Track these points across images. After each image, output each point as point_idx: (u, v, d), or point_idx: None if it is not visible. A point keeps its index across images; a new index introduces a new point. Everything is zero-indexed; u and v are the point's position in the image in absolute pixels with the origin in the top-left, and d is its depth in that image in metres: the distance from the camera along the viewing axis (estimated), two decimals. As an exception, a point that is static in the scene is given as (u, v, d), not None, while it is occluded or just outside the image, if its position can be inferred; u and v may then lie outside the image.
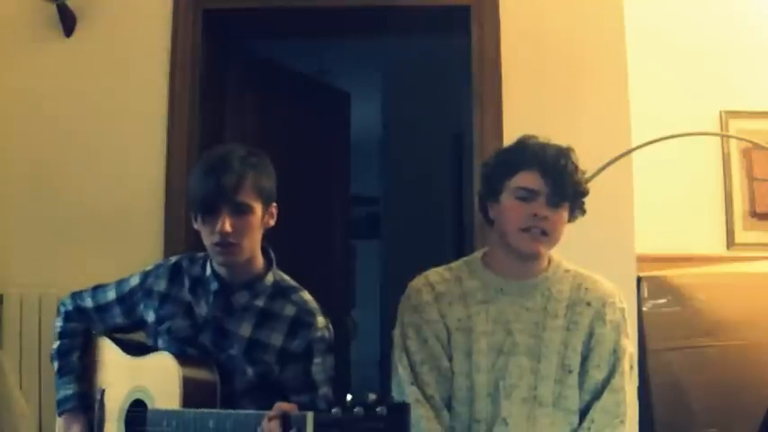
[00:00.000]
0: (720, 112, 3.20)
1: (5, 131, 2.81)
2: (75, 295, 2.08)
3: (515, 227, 1.80)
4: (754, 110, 3.19)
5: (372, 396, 1.33)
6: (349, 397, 1.37)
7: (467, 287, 1.88)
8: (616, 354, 1.83)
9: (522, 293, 1.86)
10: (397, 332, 1.88)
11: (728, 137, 3.15)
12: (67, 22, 2.80)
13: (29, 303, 2.67)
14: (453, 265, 1.96)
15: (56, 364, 2.04)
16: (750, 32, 3.22)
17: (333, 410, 1.36)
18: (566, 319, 1.83)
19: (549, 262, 1.91)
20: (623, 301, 1.90)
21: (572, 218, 1.87)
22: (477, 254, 1.96)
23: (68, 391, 1.99)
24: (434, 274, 1.93)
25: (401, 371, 1.83)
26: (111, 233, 2.74)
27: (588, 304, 1.85)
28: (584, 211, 1.89)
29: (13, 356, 2.61)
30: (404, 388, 1.81)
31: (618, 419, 1.78)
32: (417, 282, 1.92)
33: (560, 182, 1.80)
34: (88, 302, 2.05)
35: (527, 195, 1.80)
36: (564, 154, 1.84)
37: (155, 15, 2.82)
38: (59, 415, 1.99)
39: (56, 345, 2.06)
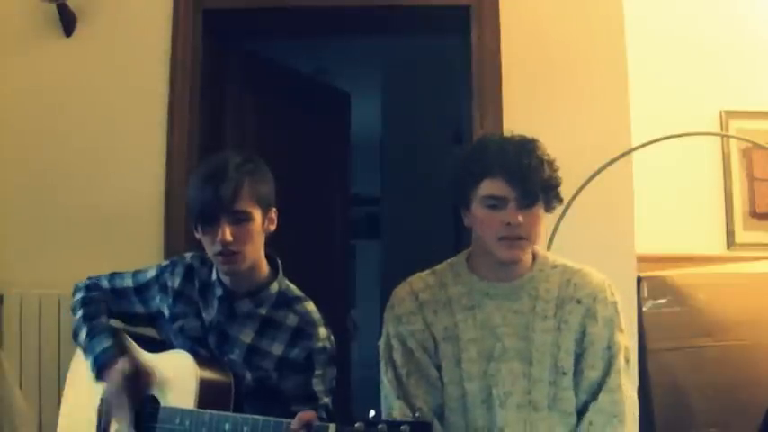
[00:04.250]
0: (720, 112, 3.20)
1: (5, 131, 2.81)
2: (93, 277, 2.09)
3: (492, 236, 1.75)
4: (754, 110, 3.19)
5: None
6: (372, 413, 1.38)
7: (452, 293, 1.83)
8: (611, 350, 1.77)
9: (509, 296, 1.80)
10: (382, 343, 1.84)
11: (728, 137, 3.15)
12: (67, 22, 2.80)
13: (29, 303, 2.67)
14: (438, 268, 1.90)
15: (83, 331, 1.95)
16: (750, 33, 3.23)
17: (356, 424, 1.37)
18: (556, 319, 1.78)
19: (535, 258, 1.85)
20: (615, 294, 1.83)
21: (549, 209, 1.79)
22: (462, 255, 1.90)
23: (105, 344, 1.90)
24: (418, 280, 1.88)
25: (386, 383, 1.79)
26: (111, 233, 2.74)
27: (578, 302, 1.79)
28: (560, 200, 1.80)
29: (13, 356, 2.61)
30: (390, 401, 1.78)
31: (616, 419, 1.73)
32: (401, 290, 1.87)
33: (527, 183, 1.71)
34: (105, 284, 2.06)
35: (496, 203, 1.73)
36: (527, 151, 1.75)
37: (155, 15, 2.82)
38: (100, 372, 1.87)
39: (79, 314, 2.00)
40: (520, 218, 1.72)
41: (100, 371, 1.89)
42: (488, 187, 1.74)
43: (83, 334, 1.97)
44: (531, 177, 1.72)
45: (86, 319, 1.99)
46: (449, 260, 1.92)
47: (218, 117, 3.06)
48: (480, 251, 1.84)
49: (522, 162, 1.72)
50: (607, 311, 1.80)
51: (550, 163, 1.78)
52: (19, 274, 2.72)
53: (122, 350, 1.92)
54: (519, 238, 1.74)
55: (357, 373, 4.26)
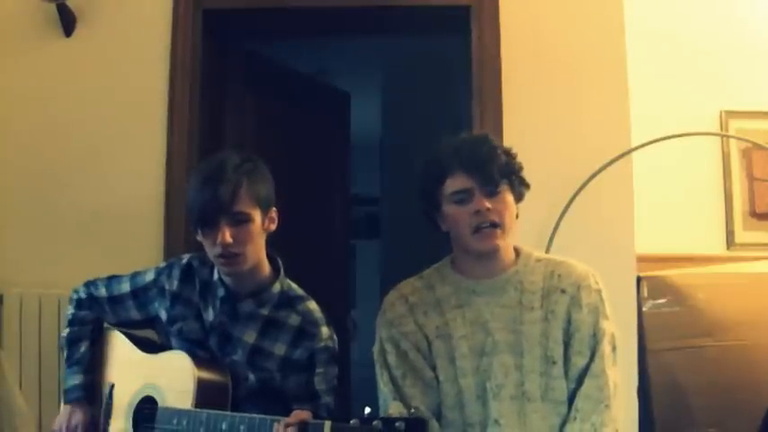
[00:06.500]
0: (720, 112, 3.20)
1: (5, 131, 2.81)
2: (90, 283, 2.09)
3: (466, 230, 1.80)
4: (754, 110, 3.19)
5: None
6: (367, 410, 1.38)
7: (440, 294, 1.87)
8: (596, 337, 1.80)
9: (495, 291, 1.84)
10: (376, 348, 1.87)
11: (728, 137, 3.15)
12: (67, 23, 2.80)
13: (29, 303, 2.67)
14: (425, 273, 1.95)
15: (65, 352, 2.05)
16: (750, 33, 3.23)
17: (351, 421, 1.37)
18: (543, 310, 1.81)
19: (519, 254, 1.89)
20: (599, 282, 1.86)
21: (518, 196, 1.85)
22: (446, 259, 1.94)
23: (75, 381, 1.99)
24: (407, 285, 1.92)
25: (383, 387, 1.82)
26: (111, 233, 2.74)
27: (563, 291, 1.83)
28: (527, 186, 1.87)
29: (13, 356, 2.61)
30: (388, 403, 1.79)
31: (602, 404, 1.75)
32: (391, 296, 1.91)
33: (487, 170, 1.79)
34: (102, 292, 2.06)
35: (463, 197, 1.80)
36: (480, 141, 1.86)
37: (155, 15, 2.82)
38: (65, 403, 2.01)
39: (65, 332, 2.07)
40: (488, 204, 1.78)
41: (66, 402, 2.01)
42: (452, 184, 1.82)
43: (64, 354, 2.06)
44: (487, 164, 1.81)
45: (69, 342, 2.05)
46: (434, 265, 1.96)
47: (218, 117, 3.06)
48: (461, 252, 1.89)
49: (476, 152, 1.82)
50: (591, 298, 1.83)
51: (506, 150, 1.87)
52: (19, 274, 2.72)
53: (87, 389, 2.00)
54: (492, 225, 1.79)
55: (357, 373, 4.25)
